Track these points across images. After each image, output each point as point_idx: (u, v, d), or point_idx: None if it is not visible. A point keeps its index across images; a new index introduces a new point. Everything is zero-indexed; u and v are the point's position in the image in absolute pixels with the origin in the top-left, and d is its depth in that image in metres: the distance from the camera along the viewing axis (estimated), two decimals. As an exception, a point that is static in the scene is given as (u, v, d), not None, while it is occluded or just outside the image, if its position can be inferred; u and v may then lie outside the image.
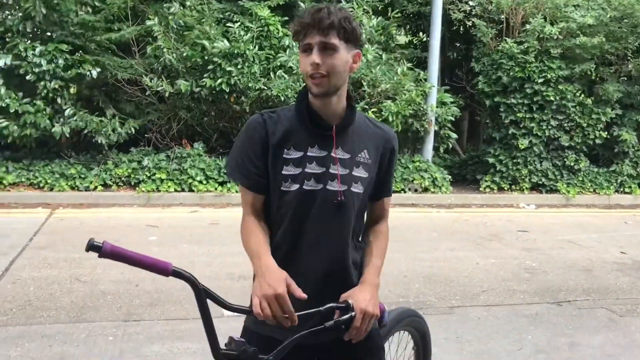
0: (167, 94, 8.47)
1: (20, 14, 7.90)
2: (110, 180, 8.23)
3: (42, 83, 7.84)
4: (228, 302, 1.57)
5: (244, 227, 1.76)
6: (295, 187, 1.72)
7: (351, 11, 9.13)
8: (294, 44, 8.74)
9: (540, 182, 9.82)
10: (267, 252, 1.67)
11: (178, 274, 1.53)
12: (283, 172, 1.72)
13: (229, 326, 3.68)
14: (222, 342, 1.58)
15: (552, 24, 9.44)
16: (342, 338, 1.65)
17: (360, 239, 1.91)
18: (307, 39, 1.66)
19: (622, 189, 10.11)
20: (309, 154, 1.72)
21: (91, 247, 1.46)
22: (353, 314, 1.62)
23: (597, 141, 9.90)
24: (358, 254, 1.86)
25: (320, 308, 1.61)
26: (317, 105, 1.73)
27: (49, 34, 8.43)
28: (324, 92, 1.68)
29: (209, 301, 1.56)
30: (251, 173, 1.76)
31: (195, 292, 1.55)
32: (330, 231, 1.76)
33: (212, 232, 6.47)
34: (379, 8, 10.22)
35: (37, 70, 7.79)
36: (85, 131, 8.15)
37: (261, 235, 1.73)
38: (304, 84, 1.76)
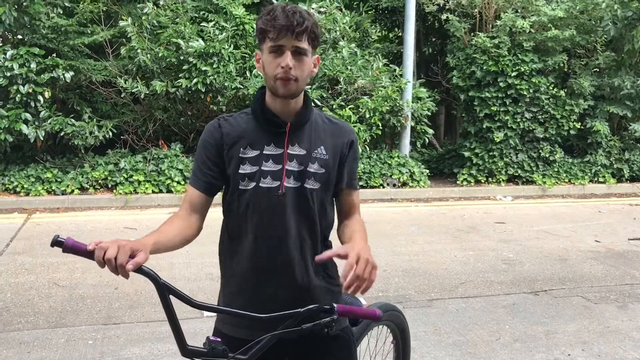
0: (142, 95, 8.41)
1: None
2: (87, 183, 8.16)
3: (15, 87, 7.74)
4: (193, 299, 1.56)
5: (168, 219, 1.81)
6: (252, 185, 1.76)
7: (324, 9, 9.16)
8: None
9: (517, 174, 9.96)
10: (151, 234, 1.68)
11: (139, 270, 1.52)
12: (240, 171, 1.76)
13: (209, 326, 3.69)
14: (201, 342, 1.58)
15: (523, 18, 9.57)
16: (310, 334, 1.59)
17: (328, 238, 1.89)
18: (279, 41, 1.65)
19: (596, 179, 10.30)
20: (265, 152, 1.76)
21: (55, 242, 1.50)
22: (335, 317, 1.57)
23: (571, 132, 10.08)
24: (323, 237, 1.87)
25: (300, 309, 1.57)
26: (273, 105, 1.76)
27: (20, 37, 8.32)
28: (291, 94, 1.71)
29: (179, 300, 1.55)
30: (203, 174, 1.81)
31: (157, 288, 1.54)
32: (275, 226, 1.76)
33: (191, 232, 6.45)
34: (353, 4, 10.26)
35: (8, 74, 7.68)
36: (62, 134, 8.06)
37: (168, 225, 1.76)
38: (262, 85, 1.79)
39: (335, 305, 1.60)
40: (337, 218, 1.93)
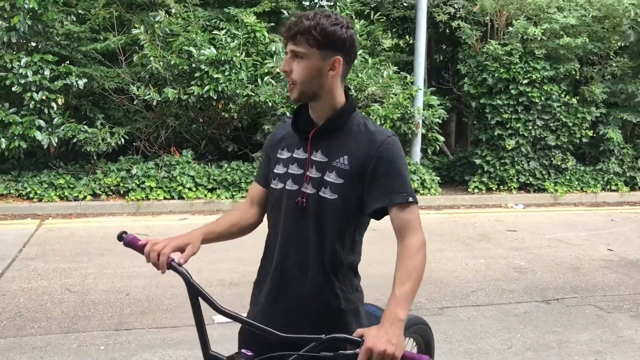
0: (154, 102, 8.47)
1: (5, 25, 7.88)
2: (100, 189, 8.22)
3: (29, 94, 7.82)
4: (219, 304, 1.58)
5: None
6: (280, 186, 1.81)
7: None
8: (281, 50, 8.79)
9: (528, 182, 9.90)
10: (206, 225, 1.85)
11: (175, 268, 1.63)
12: (274, 170, 1.83)
13: (219, 332, 3.71)
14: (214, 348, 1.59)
15: (535, 25, 9.54)
16: None
17: (350, 262, 1.81)
18: (286, 48, 1.71)
19: (608, 187, 10.22)
20: (294, 155, 1.79)
21: (119, 236, 1.79)
22: (357, 350, 1.42)
23: (584, 140, 10.01)
24: (338, 265, 1.78)
25: (322, 336, 1.49)
26: (314, 111, 1.78)
27: (34, 44, 8.41)
28: (295, 98, 1.73)
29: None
30: (261, 168, 1.93)
31: (187, 288, 1.61)
32: (295, 232, 1.77)
33: (202, 239, 6.47)
34: (364, 12, 10.28)
35: (23, 81, 7.76)
36: (74, 141, 8.13)
37: (222, 218, 1.91)
38: None
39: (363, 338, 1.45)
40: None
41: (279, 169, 1.81)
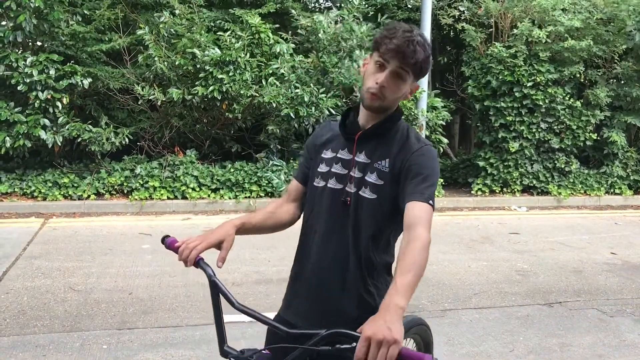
0: (159, 102, 8.49)
1: (11, 24, 7.91)
2: (103, 188, 8.24)
3: (34, 93, 7.85)
4: (237, 301, 1.64)
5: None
6: (322, 184, 1.89)
7: (341, 19, 9.20)
8: (285, 50, 8.79)
9: (532, 185, 9.89)
10: (242, 216, 1.91)
11: (199, 265, 1.74)
12: (318, 169, 1.91)
13: (241, 330, 3.72)
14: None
15: (540, 28, 9.54)
16: None
17: (384, 263, 1.89)
18: (386, 59, 1.73)
19: (612, 190, 10.20)
20: (338, 155, 1.88)
21: (162, 239, 1.89)
22: (354, 344, 1.40)
23: (587, 143, 10.00)
24: (374, 265, 1.84)
25: (322, 331, 1.50)
26: (362, 113, 1.86)
27: (39, 44, 8.44)
28: (375, 108, 1.80)
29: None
30: (301, 165, 2.02)
31: (210, 284, 1.71)
32: (336, 230, 1.84)
33: (205, 239, 6.48)
34: (369, 14, 10.29)
35: (28, 80, 7.79)
36: (79, 140, 8.16)
37: (259, 210, 1.97)
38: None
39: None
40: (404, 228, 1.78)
41: (322, 168, 1.89)
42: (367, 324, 1.40)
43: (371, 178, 1.81)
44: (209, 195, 8.42)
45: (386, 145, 1.83)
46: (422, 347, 2.57)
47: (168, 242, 1.85)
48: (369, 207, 1.81)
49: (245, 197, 8.48)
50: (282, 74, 8.70)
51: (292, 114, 8.49)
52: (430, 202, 1.72)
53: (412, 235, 1.65)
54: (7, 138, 7.79)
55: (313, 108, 8.61)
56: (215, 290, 1.69)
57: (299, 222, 2.01)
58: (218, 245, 1.77)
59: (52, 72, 7.87)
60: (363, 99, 1.80)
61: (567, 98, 9.74)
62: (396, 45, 1.70)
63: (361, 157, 1.84)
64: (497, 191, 9.85)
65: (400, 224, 1.75)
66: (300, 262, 1.95)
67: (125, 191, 8.30)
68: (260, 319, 1.65)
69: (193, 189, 8.38)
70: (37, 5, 7.66)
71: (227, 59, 8.35)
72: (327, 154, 1.90)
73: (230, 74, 8.37)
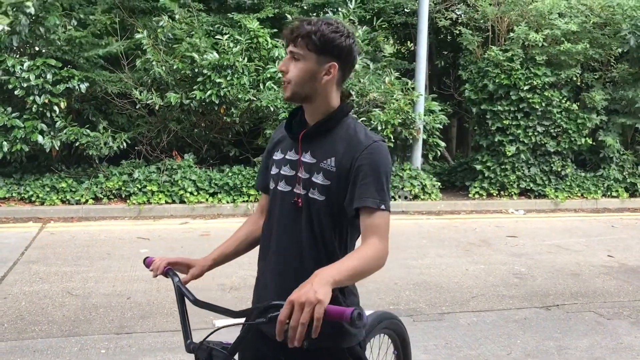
0: (157, 107, 8.50)
1: (7, 29, 7.92)
2: (101, 193, 8.24)
3: (31, 98, 7.86)
4: (193, 295, 1.80)
5: None
6: (273, 186, 1.88)
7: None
8: (283, 55, 8.83)
9: (529, 188, 9.92)
10: (216, 250, 2.01)
11: (169, 276, 1.93)
12: (270, 172, 1.90)
13: (226, 338, 3.73)
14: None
15: (536, 32, 9.57)
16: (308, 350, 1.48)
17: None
18: (286, 48, 1.78)
19: (609, 193, 10.22)
20: (287, 157, 1.84)
21: (144, 261, 2.05)
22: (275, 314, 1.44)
23: (584, 146, 10.03)
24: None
25: (259, 305, 1.62)
26: (308, 113, 1.83)
27: (36, 48, 8.45)
28: (288, 97, 1.78)
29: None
30: (261, 175, 2.01)
31: (175, 288, 1.86)
32: (289, 233, 1.81)
33: (203, 243, 6.50)
34: (366, 18, 10.33)
35: (25, 85, 7.80)
36: (77, 144, 8.16)
37: (233, 236, 2.03)
38: None
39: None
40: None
41: (273, 170, 1.87)
42: (295, 290, 1.41)
43: (318, 179, 1.75)
44: (207, 200, 8.43)
45: (331, 143, 1.77)
46: (399, 343, 2.52)
47: (147, 262, 2.01)
48: (319, 209, 1.75)
49: (243, 201, 8.49)
50: (280, 78, 8.72)
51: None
52: (384, 206, 1.69)
53: (368, 240, 1.67)
54: (5, 143, 7.79)
55: (311, 112, 8.61)
56: (180, 294, 1.81)
57: None
58: (187, 269, 1.92)
59: (49, 76, 7.88)
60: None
61: (563, 101, 9.78)
62: (286, 30, 1.75)
63: (307, 157, 1.78)
64: (494, 194, 9.87)
65: (356, 223, 1.75)
66: (260, 268, 1.94)
67: (123, 195, 8.30)
68: (215, 309, 1.72)
69: (191, 193, 8.39)
70: (33, 11, 7.67)
71: (225, 63, 8.37)
72: (277, 156, 1.87)
73: (228, 78, 8.39)
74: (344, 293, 1.81)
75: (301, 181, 1.77)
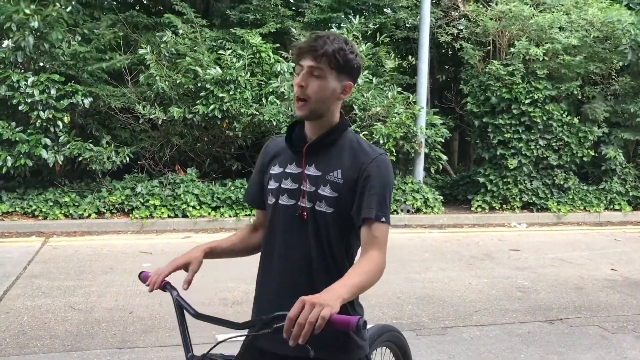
0: (160, 121, 8.55)
1: (11, 45, 7.99)
2: (104, 207, 8.26)
3: (35, 113, 7.90)
4: (193, 309, 1.78)
5: None
6: (273, 200, 1.85)
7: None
8: (286, 70, 8.88)
9: (531, 201, 9.91)
10: (214, 241, 1.95)
11: (167, 290, 1.89)
12: (268, 186, 1.87)
13: (229, 352, 3.71)
14: None
15: (537, 46, 9.62)
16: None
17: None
18: (299, 61, 1.75)
19: (611, 206, 10.21)
20: (287, 170, 1.83)
21: (139, 276, 1.99)
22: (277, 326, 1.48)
23: (585, 159, 10.03)
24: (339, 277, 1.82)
25: (264, 316, 1.60)
26: (306, 126, 1.83)
27: (41, 64, 8.52)
28: (303, 115, 1.78)
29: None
30: (251, 190, 1.99)
31: (174, 303, 1.84)
32: (296, 247, 1.80)
33: (205, 257, 6.48)
34: (368, 33, 10.40)
35: (29, 100, 7.85)
36: (80, 159, 8.19)
37: (230, 236, 1.99)
38: None
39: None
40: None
41: (272, 185, 1.85)
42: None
43: (325, 191, 1.76)
44: (209, 214, 8.44)
45: (337, 156, 1.79)
46: (400, 356, 2.51)
47: (143, 277, 1.96)
48: (327, 221, 1.76)
49: (246, 215, 8.49)
50: (282, 92, 8.77)
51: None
52: (384, 219, 1.73)
53: (369, 253, 1.70)
54: (9, 157, 7.82)
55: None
56: (180, 308, 1.79)
57: None
58: (185, 268, 1.84)
59: (53, 91, 7.93)
60: (295, 111, 1.78)
61: (564, 115, 9.80)
62: (305, 43, 1.73)
63: (311, 170, 1.79)
64: (496, 208, 9.87)
65: (358, 234, 1.79)
66: (262, 285, 1.91)
67: (126, 210, 8.32)
68: (217, 321, 1.72)
69: (193, 207, 8.40)
70: (36, 26, 7.74)
71: (228, 78, 8.42)
72: (275, 170, 1.86)
73: (231, 93, 8.44)
74: (354, 307, 1.83)
75: (306, 194, 1.77)
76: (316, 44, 1.71)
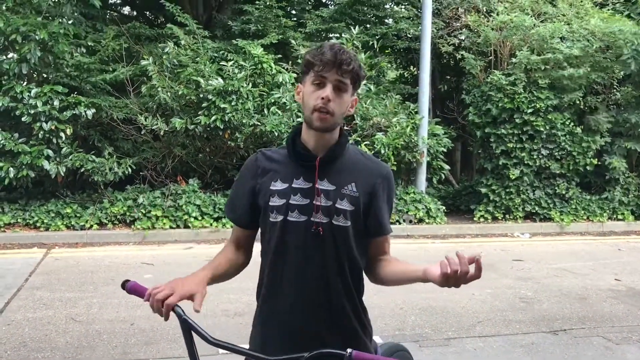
0: (162, 132, 8.56)
1: (16, 57, 8.03)
2: (106, 218, 8.25)
3: (38, 124, 7.92)
4: (210, 336, 1.58)
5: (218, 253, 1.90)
6: (280, 218, 1.76)
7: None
8: (287, 80, 8.89)
9: (534, 211, 9.89)
10: (208, 267, 1.78)
11: (176, 313, 1.64)
12: (270, 203, 1.78)
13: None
14: None
15: (539, 56, 9.64)
16: None
17: (362, 278, 1.85)
18: (323, 73, 1.69)
19: (615, 216, 10.18)
20: (294, 185, 1.76)
21: (122, 284, 1.82)
22: None
23: (588, 168, 10.01)
24: (356, 292, 1.82)
25: (305, 354, 1.51)
26: (308, 138, 1.77)
27: (44, 75, 8.55)
28: (325, 128, 1.73)
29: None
30: (237, 207, 1.88)
31: (180, 322, 1.63)
32: (311, 263, 1.75)
33: (207, 268, 6.46)
34: (369, 43, 10.44)
35: (32, 111, 7.87)
36: (82, 170, 8.20)
37: (218, 259, 1.85)
38: (300, 121, 1.83)
39: (350, 350, 1.47)
40: (368, 260, 1.86)
41: (276, 201, 1.76)
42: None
43: (343, 205, 1.74)
44: (211, 224, 8.43)
45: (346, 168, 1.78)
46: None
47: (129, 287, 1.81)
48: (346, 235, 1.75)
49: (248, 226, 8.46)
50: (284, 103, 8.78)
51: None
52: (391, 231, 1.90)
53: (387, 257, 1.87)
54: (11, 169, 7.83)
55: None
56: (186, 326, 1.63)
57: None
58: (190, 298, 1.67)
59: (56, 103, 7.95)
60: (311, 122, 1.71)
61: (567, 124, 9.79)
62: (331, 56, 1.68)
63: (324, 185, 1.75)
64: (499, 218, 9.84)
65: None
66: (271, 305, 1.83)
67: (128, 221, 8.31)
68: (237, 351, 1.62)
69: (195, 218, 8.39)
70: (42, 37, 7.79)
71: (230, 89, 8.44)
72: (278, 186, 1.77)
73: (233, 104, 8.45)
74: (364, 327, 1.83)
75: (321, 209, 1.74)
76: (342, 58, 1.68)
